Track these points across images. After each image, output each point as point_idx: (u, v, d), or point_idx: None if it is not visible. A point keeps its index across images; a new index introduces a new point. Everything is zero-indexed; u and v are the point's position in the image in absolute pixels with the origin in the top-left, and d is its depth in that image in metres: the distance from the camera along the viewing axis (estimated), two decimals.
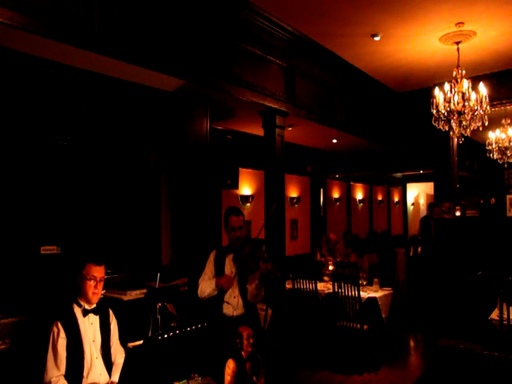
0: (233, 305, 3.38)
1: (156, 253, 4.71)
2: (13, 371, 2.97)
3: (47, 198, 3.89)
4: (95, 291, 2.71)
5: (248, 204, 7.34)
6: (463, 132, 5.09)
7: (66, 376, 2.54)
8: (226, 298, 3.39)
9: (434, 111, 5.05)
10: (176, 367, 2.52)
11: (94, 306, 2.75)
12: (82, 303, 2.71)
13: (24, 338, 3.07)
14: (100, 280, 2.73)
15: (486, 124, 4.95)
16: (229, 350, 2.72)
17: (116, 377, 2.68)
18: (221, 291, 3.40)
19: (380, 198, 12.89)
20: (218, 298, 3.41)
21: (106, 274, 2.84)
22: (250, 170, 7.40)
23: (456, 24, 4.90)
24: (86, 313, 2.70)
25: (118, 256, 4.45)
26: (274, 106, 5.20)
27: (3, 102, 3.57)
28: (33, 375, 2.74)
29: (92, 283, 2.69)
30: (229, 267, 3.46)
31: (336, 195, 10.43)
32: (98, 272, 2.73)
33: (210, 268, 3.54)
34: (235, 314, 3.36)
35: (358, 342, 5.05)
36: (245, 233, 3.53)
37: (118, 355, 2.80)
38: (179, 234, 4.40)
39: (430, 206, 8.15)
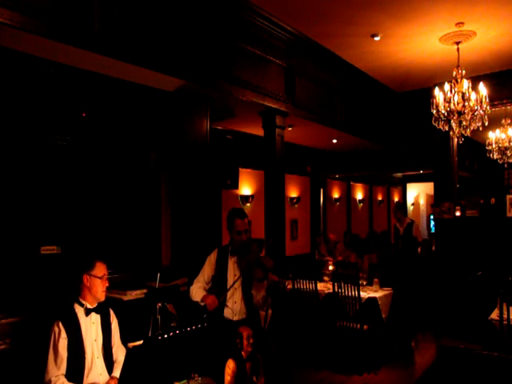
0: (234, 310, 3.29)
1: (156, 253, 4.71)
2: (13, 371, 2.97)
3: (47, 198, 3.90)
4: (104, 289, 2.75)
5: (248, 204, 7.34)
6: (463, 132, 5.09)
7: (67, 376, 2.54)
8: (228, 303, 3.30)
9: (434, 111, 5.05)
10: (176, 367, 2.52)
11: (96, 304, 2.75)
12: (85, 302, 2.70)
13: (24, 338, 3.07)
14: (106, 278, 2.78)
15: (486, 124, 4.95)
16: (229, 350, 2.72)
17: (117, 373, 2.68)
18: (222, 293, 3.31)
19: (380, 198, 12.89)
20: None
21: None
22: (249, 169, 7.40)
23: (456, 24, 4.91)
24: (88, 312, 2.70)
25: (118, 256, 4.46)
26: (273, 106, 5.20)
27: (3, 101, 3.57)
28: (33, 375, 2.74)
29: (102, 281, 2.72)
30: (232, 270, 3.36)
31: (336, 195, 10.43)
32: (106, 269, 2.78)
33: (209, 269, 3.43)
34: (235, 318, 3.28)
35: (358, 342, 5.04)
36: (249, 235, 3.40)
37: (120, 353, 2.80)
38: (179, 234, 4.39)
39: (397, 208, 8.21)
